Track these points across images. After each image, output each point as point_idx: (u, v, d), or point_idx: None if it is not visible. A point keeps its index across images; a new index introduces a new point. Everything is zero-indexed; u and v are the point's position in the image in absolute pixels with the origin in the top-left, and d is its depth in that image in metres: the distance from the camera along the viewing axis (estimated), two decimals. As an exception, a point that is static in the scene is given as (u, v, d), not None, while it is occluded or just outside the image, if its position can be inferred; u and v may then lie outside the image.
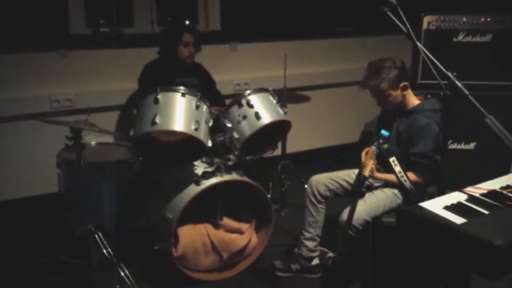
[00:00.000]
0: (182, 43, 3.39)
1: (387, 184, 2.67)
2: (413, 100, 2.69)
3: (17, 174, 3.60)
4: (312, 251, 2.86)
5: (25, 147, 3.59)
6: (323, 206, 2.84)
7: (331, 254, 2.93)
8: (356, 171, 2.82)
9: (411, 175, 2.59)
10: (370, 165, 2.43)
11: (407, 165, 2.60)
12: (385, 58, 2.63)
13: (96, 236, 2.73)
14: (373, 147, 2.62)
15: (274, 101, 3.03)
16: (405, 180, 2.56)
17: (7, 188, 3.57)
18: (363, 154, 2.61)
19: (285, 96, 3.57)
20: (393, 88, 2.61)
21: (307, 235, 2.86)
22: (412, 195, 2.59)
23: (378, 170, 2.60)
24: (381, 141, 2.65)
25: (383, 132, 2.70)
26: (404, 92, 2.64)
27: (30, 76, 3.55)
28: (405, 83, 2.62)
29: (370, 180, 2.76)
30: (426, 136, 2.54)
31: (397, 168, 2.56)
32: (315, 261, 2.89)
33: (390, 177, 2.60)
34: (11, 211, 3.54)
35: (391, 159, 2.56)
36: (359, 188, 2.56)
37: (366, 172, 2.40)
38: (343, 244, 2.62)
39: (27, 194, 3.63)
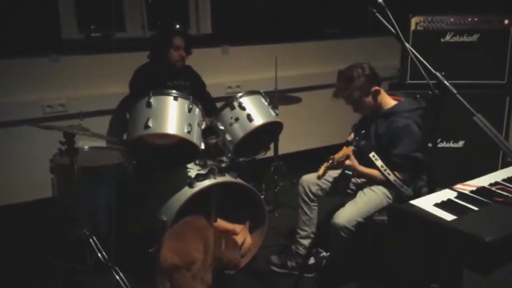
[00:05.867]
0: (173, 47, 3.40)
1: (374, 182, 2.67)
2: (388, 101, 2.68)
3: (10, 180, 3.59)
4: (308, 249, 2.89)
5: (18, 153, 3.58)
6: (316, 204, 2.88)
7: (324, 253, 2.96)
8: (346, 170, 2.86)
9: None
10: (339, 154, 2.56)
11: (389, 166, 2.59)
12: (353, 65, 2.63)
13: (91, 240, 2.73)
14: (352, 146, 2.68)
15: (266, 103, 3.06)
16: (388, 174, 2.55)
17: (0, 194, 3.56)
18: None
19: (276, 98, 3.60)
20: (365, 94, 2.61)
21: (303, 233, 2.89)
22: (400, 187, 2.57)
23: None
24: (357, 138, 2.69)
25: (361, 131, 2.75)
26: (377, 96, 2.64)
27: (22, 81, 3.54)
28: (376, 87, 2.62)
29: (358, 180, 2.80)
30: (406, 137, 2.53)
31: (379, 163, 2.57)
32: (311, 260, 2.91)
33: (374, 172, 2.61)
34: (5, 217, 3.53)
35: (370, 155, 2.57)
36: (339, 186, 2.62)
37: (336, 157, 2.54)
38: (337, 245, 2.64)
39: (20, 199, 3.61)
